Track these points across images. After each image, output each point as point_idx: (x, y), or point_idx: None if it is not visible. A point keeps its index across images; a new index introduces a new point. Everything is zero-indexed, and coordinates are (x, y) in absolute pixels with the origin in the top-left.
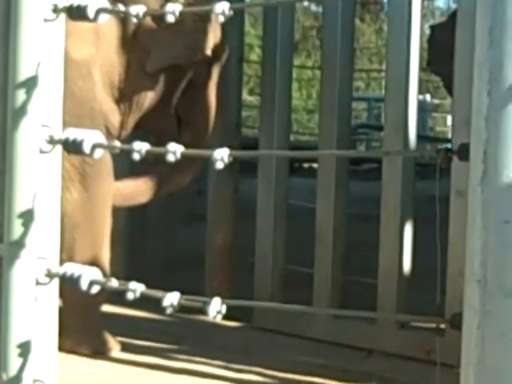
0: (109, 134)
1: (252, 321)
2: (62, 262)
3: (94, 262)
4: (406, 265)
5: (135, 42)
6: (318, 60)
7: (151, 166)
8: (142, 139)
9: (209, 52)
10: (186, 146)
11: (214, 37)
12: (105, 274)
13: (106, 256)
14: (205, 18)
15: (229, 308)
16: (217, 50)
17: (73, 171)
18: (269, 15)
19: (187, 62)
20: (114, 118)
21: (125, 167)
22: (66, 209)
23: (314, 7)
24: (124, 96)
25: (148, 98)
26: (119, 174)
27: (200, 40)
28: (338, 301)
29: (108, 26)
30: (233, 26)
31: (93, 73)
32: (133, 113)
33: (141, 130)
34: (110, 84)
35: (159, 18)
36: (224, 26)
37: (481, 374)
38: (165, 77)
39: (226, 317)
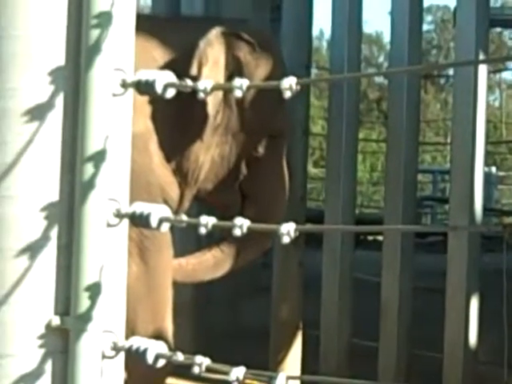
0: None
1: None
2: (125, 336)
3: (156, 335)
4: (472, 339)
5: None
6: (382, 132)
7: (216, 243)
8: (208, 214)
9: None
10: (251, 221)
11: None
12: (168, 347)
13: (168, 329)
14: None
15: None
16: (281, 124)
17: (131, 245)
18: (335, 87)
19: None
20: (173, 191)
21: (192, 243)
22: (127, 283)
23: (378, 79)
24: (180, 169)
25: (203, 171)
26: (186, 250)
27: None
28: (403, 375)
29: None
30: (298, 99)
31: (149, 146)
32: (189, 186)
33: (205, 205)
34: (166, 156)
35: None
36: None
37: None
38: (223, 150)
39: None
